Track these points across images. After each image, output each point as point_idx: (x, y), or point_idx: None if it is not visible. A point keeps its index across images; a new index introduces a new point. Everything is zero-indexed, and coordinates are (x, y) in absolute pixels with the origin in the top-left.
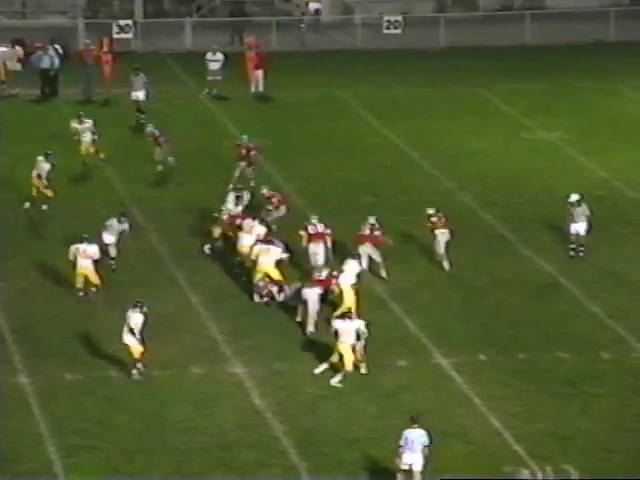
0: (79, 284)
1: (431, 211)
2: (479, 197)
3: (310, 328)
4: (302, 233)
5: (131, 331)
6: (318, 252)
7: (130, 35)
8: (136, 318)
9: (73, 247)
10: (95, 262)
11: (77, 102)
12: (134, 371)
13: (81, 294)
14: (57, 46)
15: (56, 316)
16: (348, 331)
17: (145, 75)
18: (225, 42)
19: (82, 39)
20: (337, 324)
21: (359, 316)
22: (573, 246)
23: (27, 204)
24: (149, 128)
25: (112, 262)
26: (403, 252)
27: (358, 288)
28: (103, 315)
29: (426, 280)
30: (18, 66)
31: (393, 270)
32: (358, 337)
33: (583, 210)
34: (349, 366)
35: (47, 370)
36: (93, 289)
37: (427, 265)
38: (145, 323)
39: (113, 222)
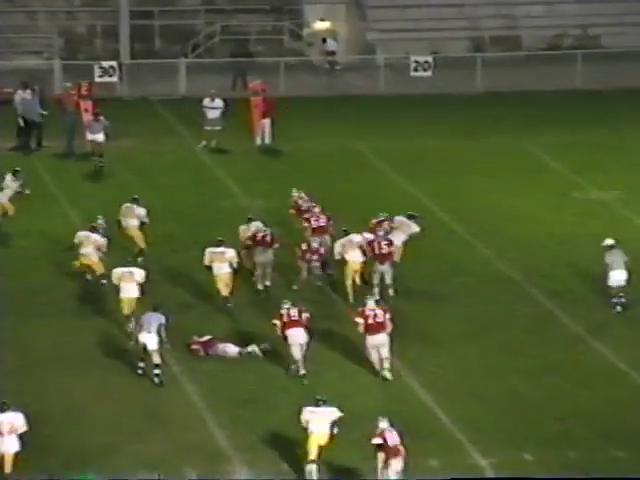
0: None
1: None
2: (522, 267)
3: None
4: (305, 225)
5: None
6: (323, 245)
7: (115, 79)
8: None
9: (83, 234)
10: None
11: (55, 155)
12: None
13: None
14: (35, 88)
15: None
16: (320, 419)
17: (106, 119)
18: (226, 86)
19: (59, 83)
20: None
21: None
22: (615, 300)
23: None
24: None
25: (157, 372)
26: (432, 332)
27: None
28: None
29: (460, 364)
30: None
31: (421, 352)
32: (333, 426)
33: (620, 256)
34: (312, 455)
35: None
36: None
37: (462, 346)
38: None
39: (151, 317)
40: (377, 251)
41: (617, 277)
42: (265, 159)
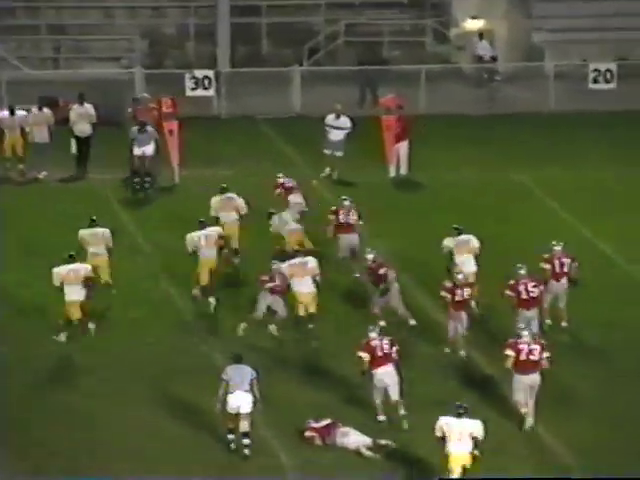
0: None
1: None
2: None
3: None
4: (331, 217)
5: None
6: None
7: (211, 92)
8: None
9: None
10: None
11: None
12: None
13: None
14: (88, 105)
15: None
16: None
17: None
18: (351, 102)
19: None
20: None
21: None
22: None
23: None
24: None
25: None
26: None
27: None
28: None
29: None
30: (46, 136)
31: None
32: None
33: None
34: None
35: None
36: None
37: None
38: None
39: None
40: (524, 295)
41: None
42: (399, 194)
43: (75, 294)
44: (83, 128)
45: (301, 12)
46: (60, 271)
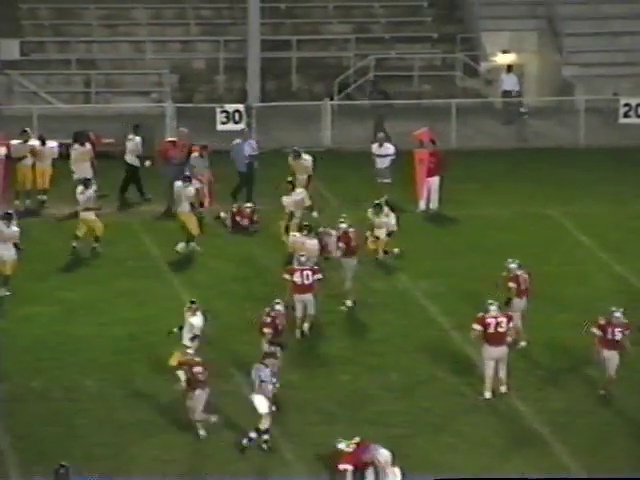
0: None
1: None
2: None
3: None
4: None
5: None
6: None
7: (241, 125)
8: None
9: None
10: None
11: (156, 219)
12: None
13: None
14: (138, 138)
15: None
16: None
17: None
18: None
19: (171, 130)
20: None
21: None
22: None
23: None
24: None
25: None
26: None
27: None
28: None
29: None
30: (89, 172)
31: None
32: None
33: None
34: None
35: None
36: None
37: None
38: None
39: None
40: (610, 336)
41: None
42: (429, 228)
43: None
44: (133, 159)
45: (331, 47)
46: None
